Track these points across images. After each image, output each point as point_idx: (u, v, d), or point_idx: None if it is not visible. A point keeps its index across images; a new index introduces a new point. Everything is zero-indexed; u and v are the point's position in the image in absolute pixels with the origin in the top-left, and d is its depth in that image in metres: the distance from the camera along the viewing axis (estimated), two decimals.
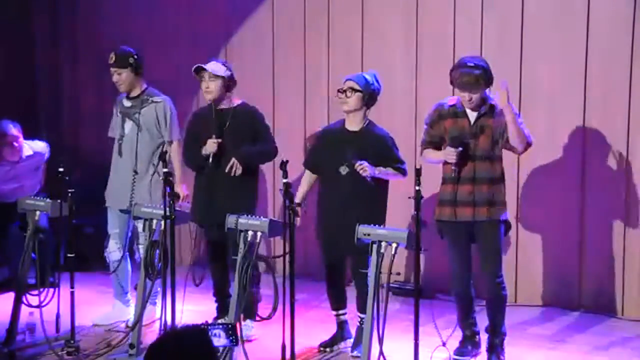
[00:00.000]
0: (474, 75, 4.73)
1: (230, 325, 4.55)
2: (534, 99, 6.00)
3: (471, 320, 5.06)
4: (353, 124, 5.09)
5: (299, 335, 4.70)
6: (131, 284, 5.83)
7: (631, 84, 5.82)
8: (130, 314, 5.62)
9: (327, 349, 5.23)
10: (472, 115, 4.84)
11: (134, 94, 5.69)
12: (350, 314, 5.29)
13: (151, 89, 5.74)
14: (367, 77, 5.07)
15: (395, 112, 6.52)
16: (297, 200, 5.03)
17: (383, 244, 4.45)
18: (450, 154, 4.79)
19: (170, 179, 4.77)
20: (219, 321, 5.02)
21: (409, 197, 4.34)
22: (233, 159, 5.25)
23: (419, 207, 4.27)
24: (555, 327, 5.79)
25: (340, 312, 5.29)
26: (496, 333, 4.96)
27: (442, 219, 4.92)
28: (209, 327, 4.55)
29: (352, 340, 5.21)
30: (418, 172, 4.29)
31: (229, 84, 5.37)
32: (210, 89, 5.32)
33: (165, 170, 4.78)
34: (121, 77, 5.62)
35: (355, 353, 5.07)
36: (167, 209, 4.71)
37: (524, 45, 6.09)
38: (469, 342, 5.06)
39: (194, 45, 7.31)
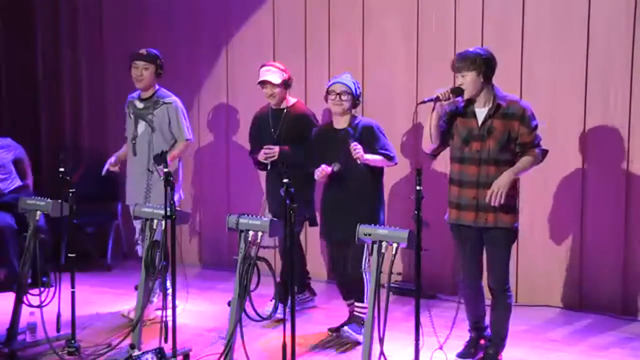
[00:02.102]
0: (465, 55, 4.72)
1: (159, 349, 4.66)
2: (534, 98, 5.99)
3: (481, 324, 5.03)
4: (341, 123, 5.32)
5: (299, 335, 4.71)
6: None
7: (632, 84, 5.82)
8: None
9: (334, 334, 5.43)
10: (480, 117, 4.74)
11: (147, 95, 5.85)
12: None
13: (162, 90, 5.89)
14: (352, 81, 5.33)
15: (395, 112, 6.52)
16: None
17: (384, 243, 4.45)
18: (445, 90, 4.70)
19: (170, 179, 4.78)
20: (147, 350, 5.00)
21: (410, 197, 4.34)
22: (276, 150, 5.62)
23: (419, 207, 4.27)
24: (555, 327, 5.79)
25: (351, 301, 5.44)
26: (494, 341, 4.92)
27: (449, 221, 4.89)
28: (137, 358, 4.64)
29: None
30: (419, 172, 4.28)
31: (287, 84, 5.72)
32: (274, 94, 5.68)
33: (165, 170, 4.78)
34: (147, 72, 5.78)
35: (346, 329, 5.35)
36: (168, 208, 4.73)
37: (524, 45, 6.09)
38: (473, 345, 5.04)
39: (195, 46, 7.32)
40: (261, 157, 5.70)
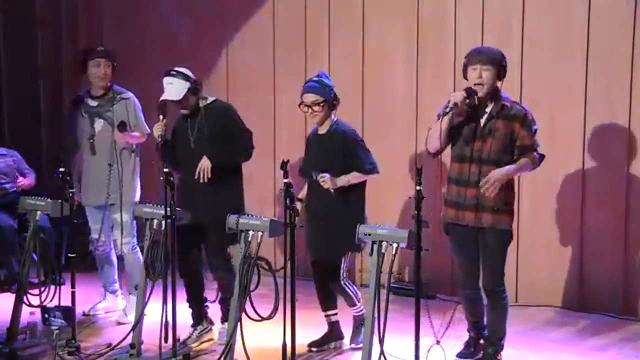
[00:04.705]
0: (489, 51, 4.72)
1: (68, 308, 4.82)
2: (534, 99, 6.01)
3: (479, 324, 5.03)
4: (323, 128, 5.14)
5: (299, 335, 4.71)
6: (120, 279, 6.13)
7: (632, 84, 5.83)
8: (120, 303, 6.05)
9: (314, 349, 5.23)
10: (483, 117, 4.72)
11: (100, 92, 5.76)
12: (345, 315, 5.32)
13: (116, 86, 5.82)
14: (324, 80, 5.07)
15: (396, 114, 6.54)
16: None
17: (384, 243, 4.44)
18: (461, 96, 4.63)
19: (171, 179, 4.77)
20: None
21: (409, 197, 4.34)
22: (201, 164, 5.11)
23: (419, 207, 4.27)
24: (555, 327, 5.80)
25: (330, 312, 5.29)
26: (492, 342, 4.91)
27: (446, 220, 4.88)
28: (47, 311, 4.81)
29: (342, 341, 5.29)
30: (419, 172, 4.28)
31: (195, 89, 5.20)
32: (185, 106, 5.20)
33: (165, 170, 4.77)
34: (109, 70, 5.72)
35: (353, 345, 5.22)
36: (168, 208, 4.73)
37: (525, 45, 6.10)
38: (472, 345, 5.05)
39: (196, 46, 7.32)
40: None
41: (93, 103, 5.77)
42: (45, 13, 8.01)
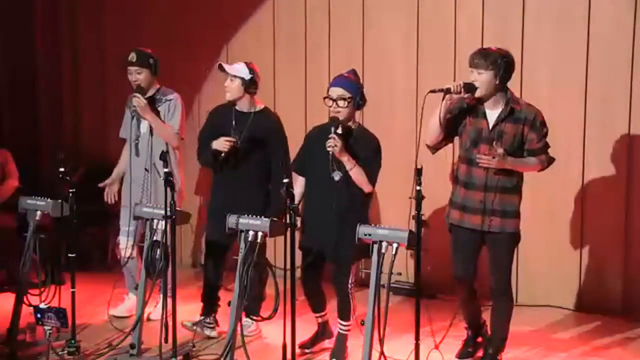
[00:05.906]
0: (486, 53, 4.59)
1: (61, 310, 4.75)
2: (534, 99, 5.98)
3: (476, 323, 5.03)
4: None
5: (299, 336, 4.71)
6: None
7: (632, 84, 5.83)
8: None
9: (307, 350, 5.18)
10: (492, 119, 4.64)
11: (148, 94, 5.75)
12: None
13: (164, 88, 5.82)
14: (354, 77, 4.93)
15: (396, 112, 6.53)
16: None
17: (384, 243, 4.44)
18: (457, 83, 4.57)
19: (171, 179, 4.78)
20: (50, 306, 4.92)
21: (410, 197, 4.33)
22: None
23: (420, 207, 4.27)
24: (555, 328, 5.80)
25: (322, 313, 5.24)
26: (494, 342, 4.90)
27: (450, 221, 4.85)
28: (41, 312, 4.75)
29: (334, 339, 5.19)
30: (419, 172, 4.27)
31: (248, 86, 5.31)
32: (228, 88, 5.34)
33: (165, 170, 4.78)
34: (140, 76, 5.69)
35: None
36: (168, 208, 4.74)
37: (525, 45, 6.09)
38: (471, 344, 5.06)
39: (195, 47, 7.32)
40: (220, 146, 5.23)
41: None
42: (45, 13, 8.00)
